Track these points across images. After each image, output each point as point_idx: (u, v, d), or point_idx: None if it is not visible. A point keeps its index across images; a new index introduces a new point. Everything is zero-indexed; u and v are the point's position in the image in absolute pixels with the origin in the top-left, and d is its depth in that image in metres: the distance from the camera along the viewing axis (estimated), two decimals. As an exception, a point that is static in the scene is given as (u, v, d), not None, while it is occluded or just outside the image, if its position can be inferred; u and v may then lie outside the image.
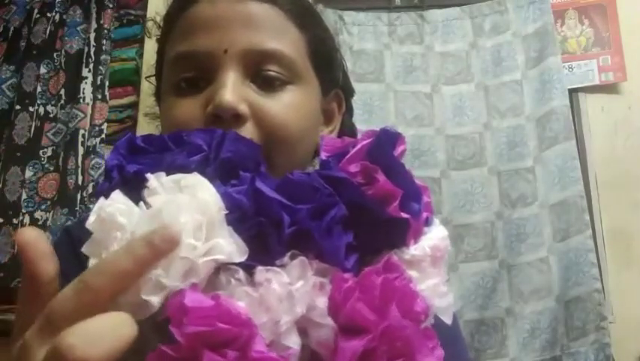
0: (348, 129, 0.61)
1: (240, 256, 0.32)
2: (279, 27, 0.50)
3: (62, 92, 1.94)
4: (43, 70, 1.97)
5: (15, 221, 1.83)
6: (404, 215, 0.37)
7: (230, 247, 0.32)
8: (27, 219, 1.83)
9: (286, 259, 0.33)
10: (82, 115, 1.89)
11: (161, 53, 0.55)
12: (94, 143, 1.88)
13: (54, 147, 1.91)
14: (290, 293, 0.32)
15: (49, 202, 1.85)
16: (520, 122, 1.93)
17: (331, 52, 0.57)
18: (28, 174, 1.87)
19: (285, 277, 0.32)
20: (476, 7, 2.06)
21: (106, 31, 1.99)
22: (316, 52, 0.53)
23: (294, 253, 0.33)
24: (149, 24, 0.60)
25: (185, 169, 0.35)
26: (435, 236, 0.40)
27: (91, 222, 0.32)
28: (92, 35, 1.97)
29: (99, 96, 1.93)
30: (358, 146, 0.39)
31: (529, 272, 1.80)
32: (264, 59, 0.48)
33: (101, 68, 1.96)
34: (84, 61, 1.95)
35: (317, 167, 0.46)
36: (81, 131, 1.86)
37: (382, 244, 0.37)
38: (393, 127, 0.41)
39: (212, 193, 0.33)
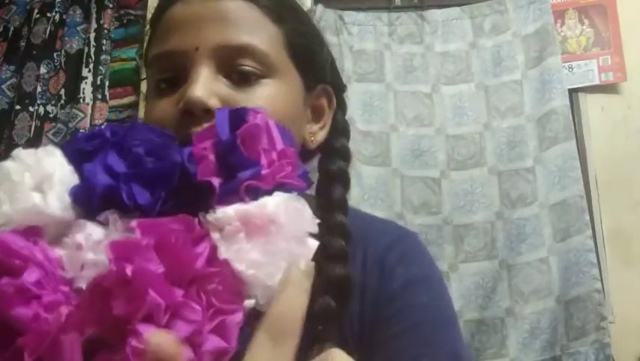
0: (340, 125, 0.60)
1: (61, 212, 0.37)
2: (253, 22, 0.50)
3: (62, 92, 1.94)
4: (43, 70, 1.97)
5: (15, 221, 1.83)
6: (208, 179, 0.38)
7: (55, 202, 0.36)
8: (27, 219, 1.83)
9: (103, 216, 0.37)
10: (82, 115, 1.89)
11: (145, 57, 0.57)
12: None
13: (54, 147, 1.91)
14: (93, 243, 0.35)
15: (49, 202, 1.85)
16: (520, 122, 1.93)
17: (313, 46, 0.57)
18: (28, 174, 1.87)
19: (91, 228, 0.36)
20: (476, 7, 2.06)
21: (106, 31, 1.99)
22: (295, 46, 0.53)
23: (112, 211, 0.37)
24: (148, 29, 0.61)
25: (82, 152, 0.39)
26: (249, 206, 0.39)
27: None
28: (92, 35, 1.97)
29: (99, 96, 1.93)
30: (206, 125, 0.42)
31: (529, 272, 1.80)
32: (237, 54, 0.49)
33: (101, 68, 1.96)
34: (84, 61, 1.95)
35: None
36: (81, 131, 1.86)
37: (197, 209, 0.38)
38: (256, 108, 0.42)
39: (55, 160, 0.39)
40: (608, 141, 1.94)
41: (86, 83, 1.92)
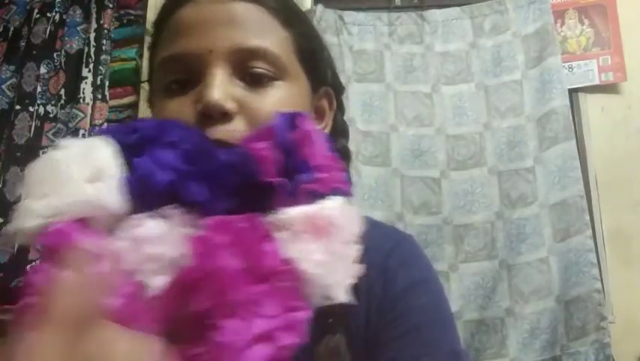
0: (340, 127, 0.61)
1: (121, 201, 0.38)
2: (263, 25, 0.51)
3: (62, 92, 1.94)
4: (43, 70, 1.97)
5: (15, 221, 1.83)
6: (273, 180, 0.40)
7: (109, 193, 0.38)
8: (27, 219, 1.83)
9: (167, 209, 0.38)
10: (82, 115, 1.89)
11: (152, 59, 0.56)
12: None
13: (54, 147, 1.91)
14: (156, 237, 0.36)
15: (49, 202, 1.85)
16: (520, 122, 1.93)
17: (318, 49, 0.58)
18: (28, 174, 1.87)
19: (154, 222, 0.37)
20: (476, 7, 2.06)
21: (106, 31, 1.99)
22: (303, 49, 0.54)
23: (173, 206, 0.38)
24: (149, 29, 0.62)
25: (125, 145, 0.41)
26: (313, 208, 0.41)
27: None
28: (92, 35, 1.97)
29: (99, 96, 1.93)
30: (261, 128, 0.44)
31: (529, 272, 1.80)
32: (250, 57, 0.49)
33: (101, 68, 1.96)
34: (84, 61, 1.95)
35: None
36: (81, 132, 1.86)
37: (256, 207, 0.40)
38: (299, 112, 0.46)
39: (107, 152, 0.40)
40: (608, 141, 1.94)
41: (86, 83, 1.92)
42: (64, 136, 1.90)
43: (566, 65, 1.97)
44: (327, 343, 0.47)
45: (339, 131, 0.61)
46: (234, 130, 0.46)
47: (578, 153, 1.87)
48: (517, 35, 2.00)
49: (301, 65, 0.54)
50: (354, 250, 0.41)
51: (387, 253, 0.55)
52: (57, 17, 2.02)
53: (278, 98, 0.50)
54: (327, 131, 0.59)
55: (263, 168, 0.40)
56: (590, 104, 1.98)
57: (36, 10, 2.04)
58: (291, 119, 0.43)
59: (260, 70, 0.49)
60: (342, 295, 0.40)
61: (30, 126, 1.92)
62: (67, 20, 2.00)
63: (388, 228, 0.63)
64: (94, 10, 1.99)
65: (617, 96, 1.98)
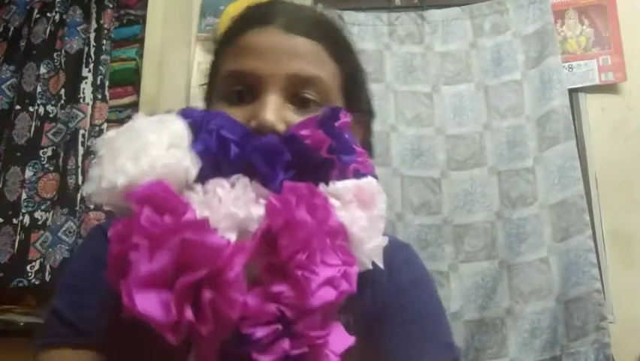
0: (367, 146, 0.67)
1: (194, 167, 0.45)
2: (319, 59, 0.60)
3: (62, 92, 1.94)
4: (43, 70, 1.97)
5: (15, 221, 1.83)
6: (327, 156, 0.49)
7: (185, 160, 0.44)
8: (27, 219, 1.83)
9: (234, 178, 0.45)
10: (82, 115, 1.89)
11: (214, 65, 0.65)
12: (94, 143, 1.88)
13: (54, 147, 1.91)
14: (230, 198, 0.43)
15: (49, 202, 1.85)
16: (520, 122, 1.93)
17: (359, 82, 0.68)
18: (28, 174, 1.87)
19: (227, 187, 0.44)
20: (476, 7, 2.06)
21: (106, 31, 1.99)
22: (347, 80, 0.64)
23: (241, 175, 0.46)
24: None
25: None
26: (361, 182, 0.50)
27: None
28: (92, 35, 1.97)
29: (99, 96, 1.93)
30: (308, 117, 0.54)
31: (529, 272, 1.80)
32: (303, 84, 0.58)
33: (101, 68, 1.96)
34: (84, 61, 1.95)
35: None
36: (81, 131, 1.86)
37: (313, 180, 0.48)
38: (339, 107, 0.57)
39: (180, 125, 0.48)
40: (608, 141, 1.94)
41: (86, 83, 1.92)
42: (64, 136, 1.90)
43: (566, 65, 1.97)
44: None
45: (369, 154, 0.69)
46: None
47: (578, 153, 1.87)
48: (517, 35, 2.00)
49: (343, 93, 0.63)
50: (383, 225, 0.48)
51: (391, 250, 0.59)
52: (57, 17, 2.02)
53: None
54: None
55: (316, 147, 0.49)
56: (590, 104, 1.98)
57: (36, 10, 2.04)
58: (335, 111, 0.52)
59: (309, 96, 0.58)
60: (376, 260, 0.48)
61: (30, 126, 1.92)
62: (67, 20, 2.00)
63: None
64: (94, 10, 1.99)
65: (617, 96, 1.98)
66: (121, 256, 0.37)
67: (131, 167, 0.43)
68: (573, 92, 1.97)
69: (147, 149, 0.44)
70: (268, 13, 0.62)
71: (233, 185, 0.45)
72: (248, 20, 0.63)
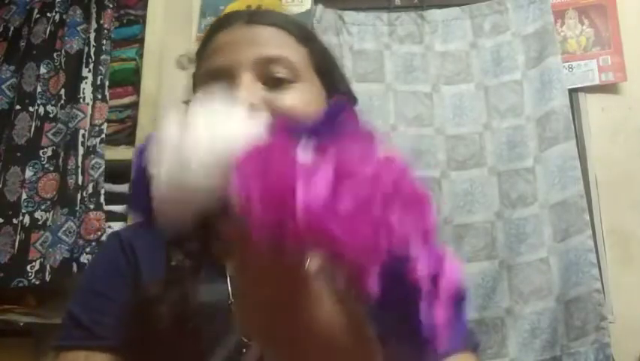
0: None
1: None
2: (282, 41, 0.63)
3: (62, 92, 1.94)
4: (43, 70, 1.97)
5: (15, 221, 1.83)
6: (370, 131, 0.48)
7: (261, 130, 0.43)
8: (27, 219, 1.83)
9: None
10: (82, 115, 1.88)
11: (195, 76, 0.68)
12: (94, 143, 1.88)
13: (54, 147, 1.91)
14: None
15: (49, 202, 1.85)
16: (520, 122, 1.93)
17: (332, 63, 0.70)
18: (28, 174, 1.87)
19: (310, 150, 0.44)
20: (476, 7, 2.06)
21: (106, 31, 1.99)
22: (318, 61, 0.66)
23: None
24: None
25: None
26: None
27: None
28: (92, 35, 1.97)
29: (99, 96, 1.93)
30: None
31: (529, 272, 1.80)
32: (271, 63, 0.60)
33: (101, 68, 1.95)
34: (84, 61, 1.94)
35: None
36: (81, 131, 1.86)
37: None
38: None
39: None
40: (608, 141, 1.94)
41: (86, 83, 1.92)
42: (64, 136, 1.90)
43: (566, 65, 1.97)
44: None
45: None
46: None
47: (578, 153, 1.87)
48: (517, 35, 2.00)
49: (317, 75, 0.65)
50: None
51: None
52: (57, 17, 2.02)
53: (294, 97, 0.60)
54: None
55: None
56: (590, 104, 1.98)
57: (36, 10, 2.04)
58: (339, 105, 0.52)
59: (279, 74, 0.60)
60: None
61: (30, 126, 1.92)
62: (67, 20, 2.00)
63: None
64: (94, 10, 1.99)
65: (617, 96, 1.98)
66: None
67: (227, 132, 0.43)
68: (573, 92, 1.97)
69: (229, 119, 0.44)
70: (233, 16, 0.66)
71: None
72: (215, 26, 0.67)
